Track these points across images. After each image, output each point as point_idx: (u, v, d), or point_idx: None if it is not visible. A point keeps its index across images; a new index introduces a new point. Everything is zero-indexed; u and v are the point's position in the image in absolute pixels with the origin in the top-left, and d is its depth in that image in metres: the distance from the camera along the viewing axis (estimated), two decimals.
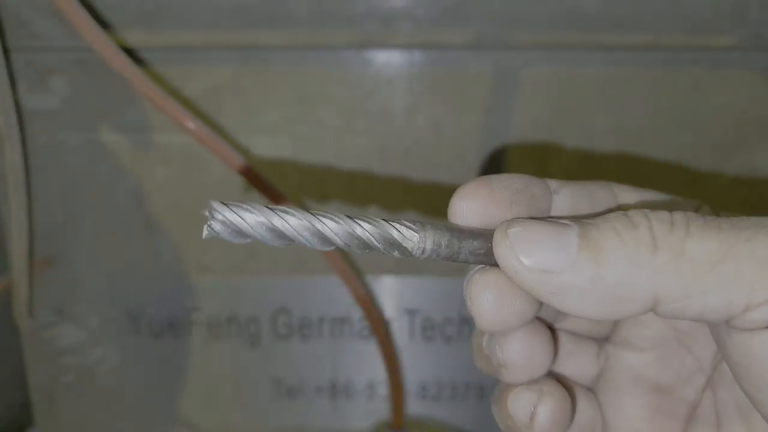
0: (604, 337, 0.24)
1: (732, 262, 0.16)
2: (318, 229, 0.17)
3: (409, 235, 0.18)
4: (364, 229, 0.18)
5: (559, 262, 0.17)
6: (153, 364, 0.52)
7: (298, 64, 0.45)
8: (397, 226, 0.18)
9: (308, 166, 0.47)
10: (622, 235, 0.17)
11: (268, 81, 0.45)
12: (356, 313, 0.50)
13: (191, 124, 0.40)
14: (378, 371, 0.51)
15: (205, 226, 0.16)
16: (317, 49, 0.44)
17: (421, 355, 0.51)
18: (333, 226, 0.17)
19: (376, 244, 0.18)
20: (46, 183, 0.47)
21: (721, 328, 0.18)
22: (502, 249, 0.17)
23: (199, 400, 0.53)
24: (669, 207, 0.21)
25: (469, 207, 0.20)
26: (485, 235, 0.19)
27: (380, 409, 0.52)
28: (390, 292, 0.50)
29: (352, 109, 0.46)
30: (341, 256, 0.45)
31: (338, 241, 0.18)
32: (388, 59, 0.45)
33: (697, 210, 0.23)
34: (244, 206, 0.16)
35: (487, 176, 0.20)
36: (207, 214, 0.16)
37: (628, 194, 0.23)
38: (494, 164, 0.47)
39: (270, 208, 0.17)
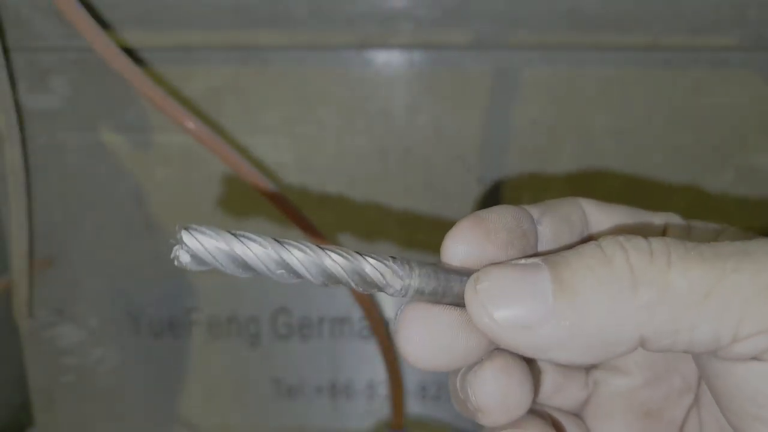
0: (593, 366, 0.23)
1: (719, 295, 0.15)
2: (286, 262, 0.15)
3: (391, 281, 0.16)
4: (338, 265, 0.16)
5: (535, 314, 0.16)
6: (153, 364, 0.52)
7: (298, 64, 0.45)
8: (379, 267, 0.16)
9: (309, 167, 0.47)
10: (598, 274, 0.16)
11: (268, 81, 0.45)
12: (356, 313, 0.50)
13: (191, 124, 0.40)
14: (378, 371, 0.51)
15: (175, 254, 0.15)
16: (317, 49, 0.44)
17: None
18: (303, 259, 0.15)
19: (351, 283, 0.16)
20: (46, 183, 0.47)
21: (703, 356, 0.17)
22: (474, 308, 0.16)
23: (199, 399, 0.53)
24: (638, 219, 0.20)
25: (465, 250, 0.19)
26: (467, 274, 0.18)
27: (380, 409, 0.52)
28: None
29: (352, 109, 0.46)
30: None
31: (309, 276, 0.16)
32: (388, 59, 0.45)
33: (667, 222, 0.22)
34: (209, 232, 0.15)
35: (479, 214, 0.19)
36: (178, 239, 0.15)
37: (595, 210, 0.22)
38: (494, 165, 0.47)
39: (234, 234, 0.15)
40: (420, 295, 0.17)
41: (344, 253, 0.16)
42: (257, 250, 0.15)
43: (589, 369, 0.23)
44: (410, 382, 0.51)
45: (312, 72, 0.45)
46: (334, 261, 0.15)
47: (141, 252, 0.49)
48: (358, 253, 0.16)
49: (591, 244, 0.17)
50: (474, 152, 0.47)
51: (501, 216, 0.19)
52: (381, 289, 0.16)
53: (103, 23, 0.42)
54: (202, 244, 0.14)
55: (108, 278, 0.50)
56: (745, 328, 0.15)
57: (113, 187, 0.48)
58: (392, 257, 0.16)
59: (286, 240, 0.15)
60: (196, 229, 0.14)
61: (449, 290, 0.17)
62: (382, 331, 0.48)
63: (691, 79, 0.45)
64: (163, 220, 0.48)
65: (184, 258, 0.14)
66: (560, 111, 0.46)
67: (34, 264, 0.48)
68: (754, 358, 0.16)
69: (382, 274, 0.16)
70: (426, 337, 0.18)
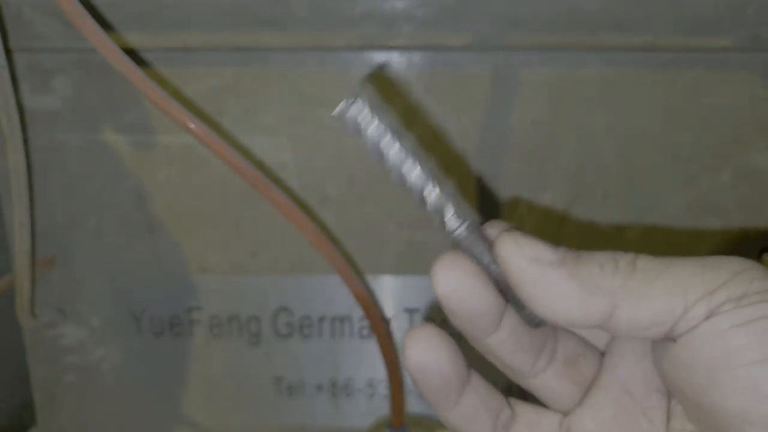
0: (570, 407, 0.24)
1: (669, 272, 0.20)
2: (402, 171, 0.20)
3: (451, 224, 0.21)
4: (432, 195, 0.21)
5: (550, 256, 0.21)
6: (154, 363, 0.52)
7: (298, 65, 0.45)
8: (451, 211, 0.21)
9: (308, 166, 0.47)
10: (595, 255, 0.21)
11: (268, 82, 0.45)
12: (356, 313, 0.50)
13: (192, 124, 0.40)
14: (378, 370, 0.51)
15: (345, 103, 0.19)
16: (317, 50, 0.44)
17: None
18: (414, 175, 0.20)
19: (426, 206, 0.21)
20: (48, 183, 0.48)
21: (665, 351, 0.20)
22: (507, 241, 0.21)
23: (201, 399, 0.53)
24: None
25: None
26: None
27: (380, 407, 0.53)
28: (390, 292, 0.50)
29: None
30: (341, 255, 0.45)
31: (409, 186, 0.20)
32: (388, 60, 0.45)
33: None
34: (374, 117, 0.19)
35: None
36: (351, 98, 0.19)
37: None
38: (493, 165, 0.47)
39: (391, 132, 0.19)
40: (460, 242, 0.21)
41: (441, 190, 0.20)
42: (393, 150, 0.19)
43: (566, 413, 0.24)
44: (410, 381, 0.52)
45: (312, 73, 0.45)
46: (431, 191, 0.20)
47: (142, 252, 0.49)
48: (447, 193, 0.21)
49: None
50: (473, 152, 0.47)
51: None
52: (442, 222, 0.21)
53: (105, 24, 0.43)
54: (363, 116, 0.19)
55: (109, 278, 0.50)
56: (691, 295, 0.19)
57: (115, 187, 0.48)
58: (457, 211, 0.21)
59: (414, 155, 0.20)
60: (365, 105, 0.19)
61: (482, 251, 0.22)
62: (382, 331, 0.48)
63: (689, 80, 0.45)
64: (164, 220, 0.49)
65: (346, 113, 0.19)
66: (559, 111, 0.46)
67: (36, 264, 0.48)
68: (708, 316, 0.19)
69: (448, 213, 0.21)
70: (467, 277, 0.21)
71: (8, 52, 0.42)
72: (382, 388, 0.52)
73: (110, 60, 0.39)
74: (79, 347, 0.52)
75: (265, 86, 0.46)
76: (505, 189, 0.48)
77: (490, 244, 0.22)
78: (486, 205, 0.48)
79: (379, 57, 0.45)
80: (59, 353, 0.52)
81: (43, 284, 0.50)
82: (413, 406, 0.52)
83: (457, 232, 0.21)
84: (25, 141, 0.45)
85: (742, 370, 0.18)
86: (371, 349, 0.50)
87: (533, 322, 0.23)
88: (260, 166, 0.46)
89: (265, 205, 0.42)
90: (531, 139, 0.46)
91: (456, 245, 0.21)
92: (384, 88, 0.46)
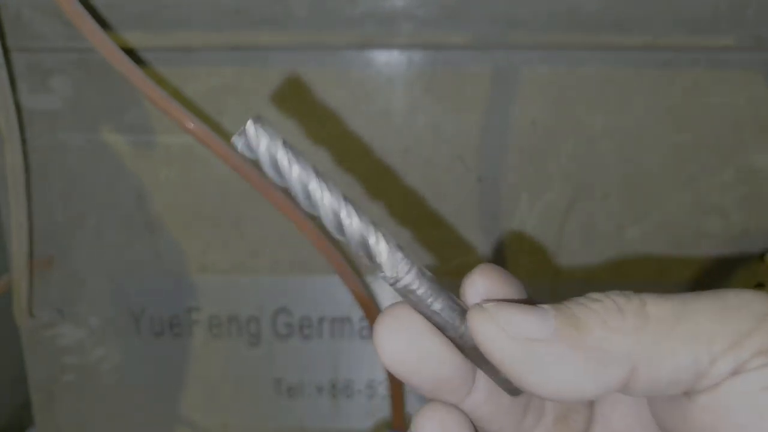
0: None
1: (688, 319, 0.17)
2: (311, 194, 0.16)
3: (386, 263, 0.16)
4: (351, 221, 0.16)
5: (541, 331, 0.17)
6: (154, 363, 0.52)
7: (298, 64, 0.45)
8: (383, 245, 0.16)
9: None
10: (591, 306, 0.17)
11: (268, 81, 0.45)
12: (356, 313, 0.50)
13: (192, 124, 0.40)
14: (378, 371, 0.51)
15: (237, 135, 0.16)
16: (317, 49, 0.44)
17: None
18: (327, 199, 0.16)
19: (353, 243, 0.16)
20: (47, 183, 0.48)
21: (675, 408, 0.18)
22: (481, 322, 0.17)
23: (200, 399, 0.53)
24: None
25: (486, 287, 0.19)
26: (460, 308, 0.18)
27: (380, 408, 0.53)
28: (390, 292, 0.50)
29: (352, 109, 0.46)
30: (341, 255, 0.45)
31: (322, 214, 0.16)
32: (388, 59, 0.45)
33: None
34: (275, 139, 0.16)
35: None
36: (248, 125, 0.16)
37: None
38: (493, 165, 0.47)
39: (286, 147, 0.16)
40: (406, 294, 0.17)
41: (362, 216, 0.16)
42: (295, 170, 0.15)
43: None
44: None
45: (312, 72, 0.45)
46: (349, 215, 0.16)
47: (142, 251, 0.49)
48: (374, 223, 0.16)
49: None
50: (473, 152, 0.47)
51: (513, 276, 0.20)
52: (374, 264, 0.16)
53: (104, 24, 0.43)
54: (259, 139, 0.15)
55: (109, 278, 0.50)
56: (717, 345, 0.16)
57: (114, 187, 0.48)
58: (401, 246, 0.17)
59: (324, 175, 0.16)
60: (261, 126, 0.15)
61: (438, 308, 0.17)
62: None
63: (689, 79, 0.45)
64: (164, 219, 0.49)
65: (240, 142, 0.15)
66: (559, 111, 0.46)
67: (34, 264, 0.48)
68: (735, 372, 0.16)
69: (381, 252, 0.16)
70: (411, 340, 0.18)
71: (7, 51, 0.42)
72: (382, 389, 0.52)
73: (110, 60, 0.39)
74: (77, 347, 0.51)
75: (265, 86, 0.45)
76: (505, 189, 0.47)
77: (446, 294, 0.17)
78: (486, 205, 0.48)
79: (379, 56, 0.45)
80: (57, 353, 0.52)
81: (42, 284, 0.50)
82: (413, 407, 0.52)
83: (405, 280, 0.16)
84: (24, 141, 0.45)
85: None
86: (371, 349, 0.50)
87: (512, 389, 0.19)
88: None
89: (265, 205, 0.42)
90: (531, 139, 0.46)
91: (404, 296, 0.17)
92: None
